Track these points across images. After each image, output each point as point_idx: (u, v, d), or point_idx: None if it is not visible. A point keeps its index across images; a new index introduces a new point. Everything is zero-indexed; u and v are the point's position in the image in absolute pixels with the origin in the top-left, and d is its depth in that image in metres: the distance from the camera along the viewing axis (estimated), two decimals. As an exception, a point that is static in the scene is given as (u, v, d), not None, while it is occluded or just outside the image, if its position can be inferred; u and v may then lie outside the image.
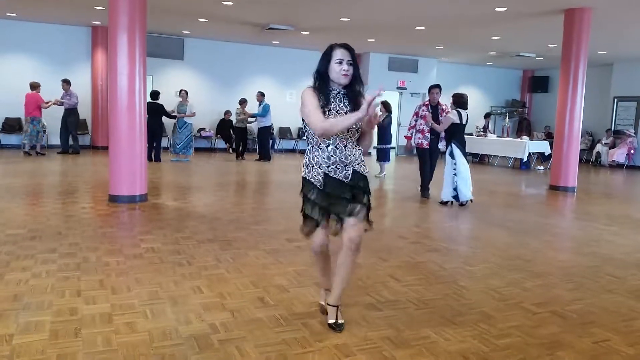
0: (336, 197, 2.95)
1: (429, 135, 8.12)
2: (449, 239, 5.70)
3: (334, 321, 3.05)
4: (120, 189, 6.82)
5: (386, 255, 4.76)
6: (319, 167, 2.97)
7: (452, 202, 7.53)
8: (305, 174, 3.03)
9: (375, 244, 5.14)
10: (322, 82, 2.98)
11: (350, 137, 2.97)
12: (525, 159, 13.79)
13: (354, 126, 2.91)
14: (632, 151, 15.47)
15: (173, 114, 12.30)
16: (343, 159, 2.96)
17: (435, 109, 8.11)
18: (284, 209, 6.85)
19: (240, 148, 13.38)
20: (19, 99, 12.68)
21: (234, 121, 13.68)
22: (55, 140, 13.28)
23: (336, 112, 2.94)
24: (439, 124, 7.69)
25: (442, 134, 7.78)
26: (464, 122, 7.42)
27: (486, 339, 3.02)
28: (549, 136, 16.04)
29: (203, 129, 15.37)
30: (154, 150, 11.89)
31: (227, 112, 14.81)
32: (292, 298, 3.53)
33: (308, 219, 3.06)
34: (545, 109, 18.81)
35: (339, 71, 2.93)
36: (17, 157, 11.56)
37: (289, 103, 15.64)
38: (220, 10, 10.73)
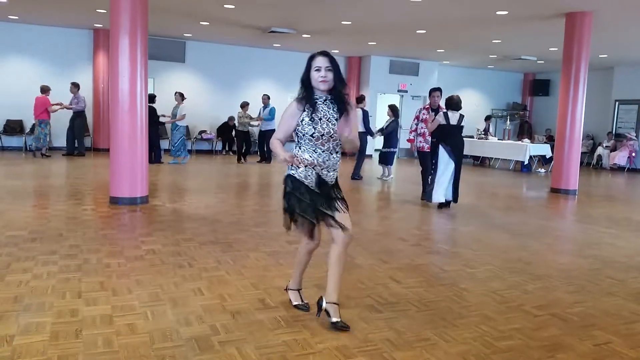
0: (326, 197, 3.13)
1: (430, 139, 8.12)
2: (449, 241, 5.70)
3: (338, 319, 3.08)
4: (121, 190, 6.83)
5: (387, 257, 4.75)
6: (312, 168, 3.10)
7: (442, 204, 7.50)
8: (293, 173, 3.12)
9: (376, 246, 5.15)
10: (307, 91, 3.12)
11: (335, 141, 3.13)
12: (526, 162, 13.79)
13: (335, 135, 3.08)
14: (633, 154, 15.47)
15: (164, 119, 12.30)
16: (333, 165, 3.17)
17: (436, 112, 8.11)
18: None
19: (243, 151, 13.30)
20: (20, 101, 12.72)
21: (236, 124, 13.62)
22: (59, 142, 13.31)
23: (327, 120, 3.07)
24: None
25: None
26: (452, 122, 7.32)
27: (487, 341, 3.02)
28: (550, 139, 16.04)
29: (204, 131, 15.38)
30: (153, 152, 11.90)
31: (231, 119, 14.81)
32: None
33: (299, 217, 3.14)
34: (546, 112, 18.81)
35: (317, 78, 3.06)
36: (19, 159, 11.58)
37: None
38: (222, 13, 10.76)
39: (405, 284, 4.01)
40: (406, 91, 17.22)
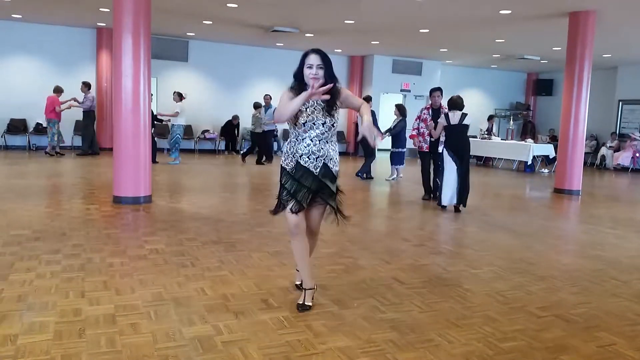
0: (302, 185, 3.27)
1: (429, 139, 8.13)
2: (453, 242, 5.69)
3: (310, 303, 3.38)
4: (125, 190, 6.83)
5: (390, 257, 4.75)
6: (292, 156, 3.31)
7: (445, 207, 7.47)
8: (281, 162, 3.39)
9: (379, 247, 5.14)
10: (299, 84, 3.30)
11: (325, 132, 3.28)
12: (529, 162, 13.75)
13: (328, 122, 3.26)
14: (637, 154, 15.42)
15: (160, 117, 12.28)
16: (316, 152, 3.27)
17: (437, 112, 8.11)
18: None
19: (257, 152, 12.85)
20: (24, 100, 12.76)
21: (252, 127, 13.04)
22: (67, 142, 13.38)
23: (313, 108, 3.26)
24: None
25: (442, 138, 7.68)
26: (452, 122, 7.23)
27: (490, 342, 3.01)
28: (553, 139, 16.00)
29: (207, 131, 15.39)
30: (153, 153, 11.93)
31: (235, 117, 14.77)
32: (295, 300, 3.52)
33: (281, 202, 3.36)
34: (549, 111, 18.78)
35: (308, 75, 3.23)
36: (22, 158, 11.61)
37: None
38: (225, 12, 10.76)
39: (409, 284, 4.00)
40: (409, 91, 17.20)
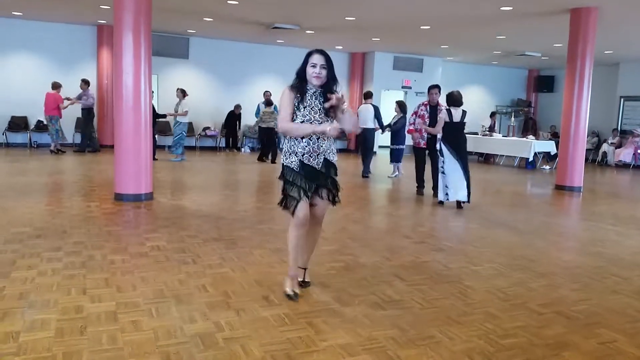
0: (310, 180, 3.42)
1: (426, 135, 8.14)
2: (453, 239, 5.69)
3: (301, 279, 3.66)
4: (126, 187, 6.84)
5: (390, 254, 4.75)
6: (295, 155, 3.43)
7: (442, 202, 7.50)
8: (284, 161, 3.49)
9: (380, 244, 5.14)
10: (300, 82, 3.43)
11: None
12: (531, 159, 13.74)
13: (326, 122, 3.35)
14: (638, 151, 15.39)
15: (162, 114, 12.28)
16: (316, 149, 3.41)
17: (434, 109, 8.13)
18: (289, 208, 6.84)
19: (267, 150, 12.62)
20: (25, 97, 12.75)
21: (261, 124, 12.70)
22: (74, 139, 13.40)
23: (311, 108, 3.39)
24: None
25: (439, 135, 7.64)
26: (455, 119, 7.18)
27: (491, 339, 3.02)
28: (554, 136, 15.98)
29: (208, 128, 15.38)
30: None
31: (237, 107, 14.68)
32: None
33: (290, 198, 3.45)
34: (551, 108, 18.75)
35: (311, 73, 3.36)
36: (24, 155, 11.61)
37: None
38: (226, 9, 10.74)
39: (410, 281, 4.01)
40: (410, 87, 17.18)
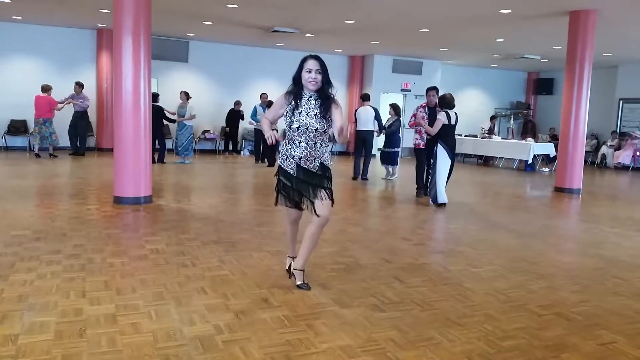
0: (307, 183, 3.56)
1: (425, 136, 8.18)
2: (453, 241, 5.69)
3: (301, 282, 3.69)
4: (125, 190, 6.84)
5: (390, 256, 4.75)
6: (292, 159, 3.58)
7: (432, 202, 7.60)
8: (281, 162, 3.67)
9: (379, 246, 5.14)
10: (296, 87, 3.57)
11: (319, 136, 3.55)
12: (530, 161, 13.75)
13: (320, 128, 3.52)
14: (637, 153, 15.40)
15: (172, 117, 12.33)
16: (313, 154, 3.56)
17: (432, 111, 8.18)
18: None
19: (266, 151, 12.56)
20: (24, 101, 12.74)
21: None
22: (65, 142, 13.35)
23: (307, 113, 3.51)
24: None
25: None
26: (452, 122, 7.40)
27: (491, 340, 3.01)
28: (554, 138, 15.99)
29: (207, 131, 15.39)
30: (158, 152, 11.93)
31: (237, 103, 14.62)
32: (296, 299, 3.53)
33: (283, 197, 3.69)
34: (550, 110, 18.76)
35: (307, 79, 3.50)
36: (23, 159, 11.61)
37: (293, 105, 15.58)
38: (225, 12, 10.76)
39: (409, 283, 4.00)
40: (409, 90, 17.19)
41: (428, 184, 7.90)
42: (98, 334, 2.87)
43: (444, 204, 7.49)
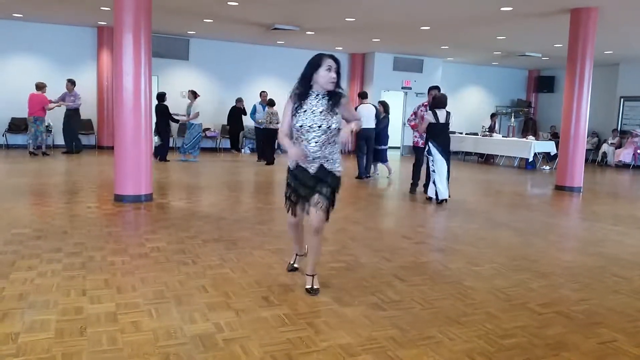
0: (303, 185, 3.48)
1: (425, 135, 8.20)
2: (453, 239, 5.68)
3: (310, 287, 3.62)
4: (126, 188, 6.84)
5: (390, 255, 4.75)
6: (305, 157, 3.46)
7: (431, 198, 7.72)
8: (291, 164, 3.58)
9: (379, 244, 5.14)
10: (304, 86, 3.42)
11: (323, 134, 3.41)
12: (531, 159, 13.74)
13: (325, 125, 3.39)
14: (638, 151, 15.38)
15: (177, 117, 12.33)
16: (318, 153, 3.43)
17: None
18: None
19: (267, 150, 12.45)
20: (25, 99, 12.72)
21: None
22: (61, 140, 13.34)
23: (311, 112, 3.40)
24: None
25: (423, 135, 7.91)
26: (440, 121, 7.51)
27: (491, 339, 3.01)
28: (554, 136, 15.98)
29: (208, 129, 15.36)
30: (160, 150, 11.96)
31: (239, 100, 14.57)
32: (296, 297, 3.53)
33: (287, 199, 3.64)
34: (551, 108, 18.75)
35: (328, 78, 3.35)
36: (23, 157, 11.61)
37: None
38: (226, 10, 10.75)
39: (410, 282, 4.00)
40: (410, 88, 17.18)
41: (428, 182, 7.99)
42: (98, 332, 2.87)
43: (445, 201, 7.60)
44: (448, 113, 7.57)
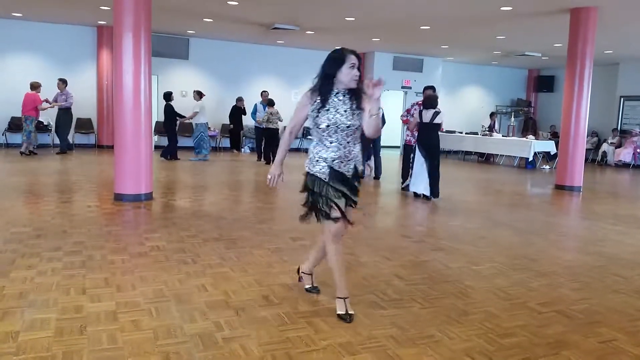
0: (339, 190, 3.14)
1: (417, 133, 8.27)
2: (453, 238, 5.68)
3: (344, 312, 3.18)
4: (126, 187, 6.84)
5: (390, 254, 4.75)
6: (324, 162, 3.13)
7: (422, 194, 7.90)
8: (309, 169, 3.20)
9: (379, 243, 5.14)
10: (326, 83, 3.12)
11: (351, 135, 3.15)
12: (530, 159, 13.74)
13: (352, 124, 3.12)
14: (638, 151, 15.39)
15: (181, 116, 12.33)
16: (347, 154, 3.15)
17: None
18: (289, 208, 6.85)
19: (268, 150, 12.34)
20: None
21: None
22: (56, 139, 13.33)
23: (336, 110, 3.11)
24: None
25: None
26: (424, 120, 7.68)
27: (491, 338, 3.01)
28: (554, 135, 15.98)
29: (208, 128, 15.35)
30: (169, 150, 12.03)
31: (240, 99, 14.54)
32: (296, 296, 3.53)
33: (321, 212, 3.16)
34: (550, 108, 18.75)
35: (352, 75, 3.09)
36: (23, 156, 11.60)
37: (294, 103, 15.55)
38: (225, 9, 10.74)
39: (409, 280, 4.00)
40: (410, 87, 17.18)
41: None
42: (98, 331, 2.87)
43: (415, 194, 7.97)
44: (436, 113, 7.66)
